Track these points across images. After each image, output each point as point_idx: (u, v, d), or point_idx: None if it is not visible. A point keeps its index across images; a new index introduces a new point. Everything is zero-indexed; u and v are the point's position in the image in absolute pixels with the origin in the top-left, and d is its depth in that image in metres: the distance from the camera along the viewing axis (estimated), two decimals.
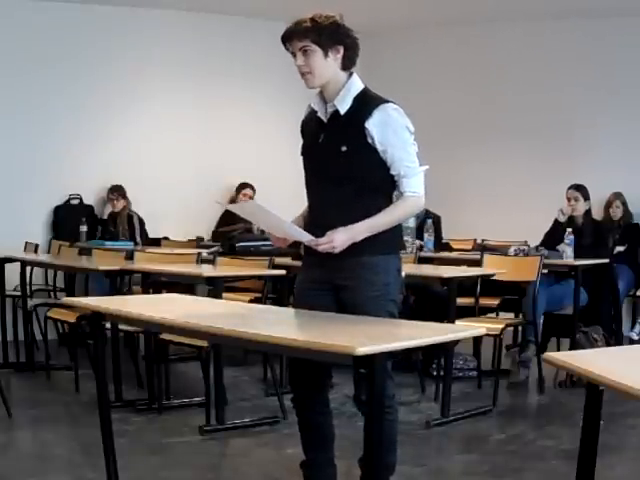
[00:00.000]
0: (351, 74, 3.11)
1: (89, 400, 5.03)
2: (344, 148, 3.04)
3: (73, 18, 7.83)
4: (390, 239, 3.12)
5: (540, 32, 8.37)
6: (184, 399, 5.19)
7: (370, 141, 3.02)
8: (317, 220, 3.13)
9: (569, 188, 6.44)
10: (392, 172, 3.05)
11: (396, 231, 3.16)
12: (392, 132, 3.02)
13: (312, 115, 3.19)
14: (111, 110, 8.07)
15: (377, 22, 8.68)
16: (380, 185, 3.08)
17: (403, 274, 3.22)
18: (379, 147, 3.02)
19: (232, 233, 7.59)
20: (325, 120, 3.12)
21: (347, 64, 3.08)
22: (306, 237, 3.01)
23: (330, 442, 3.28)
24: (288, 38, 3.05)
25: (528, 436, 4.62)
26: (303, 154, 3.24)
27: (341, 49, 3.05)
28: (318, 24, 3.01)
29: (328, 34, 3.01)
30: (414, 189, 3.07)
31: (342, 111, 3.06)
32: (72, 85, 7.86)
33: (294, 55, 3.05)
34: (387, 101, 3.07)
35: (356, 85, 3.10)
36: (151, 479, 3.93)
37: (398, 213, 3.08)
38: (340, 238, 2.98)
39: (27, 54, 7.63)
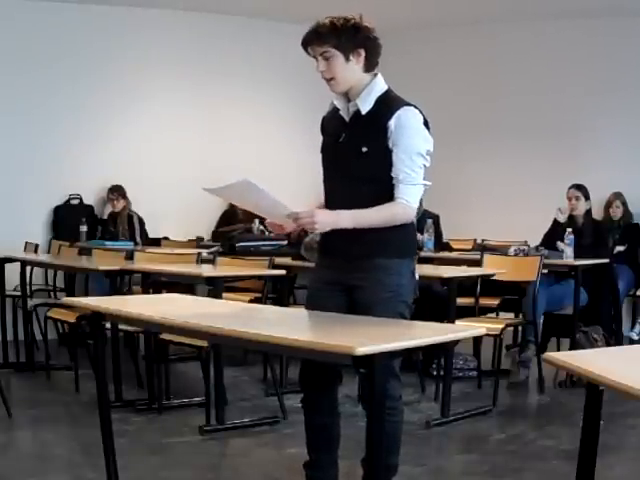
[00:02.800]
0: (375, 75, 3.09)
1: (89, 400, 5.03)
2: (365, 149, 3.02)
3: (73, 18, 7.83)
4: (404, 243, 3.12)
5: (542, 32, 8.36)
6: (184, 399, 5.19)
7: (388, 142, 3.00)
8: None
9: (570, 187, 6.45)
10: (392, 174, 3.02)
11: (410, 235, 3.16)
12: (406, 135, 3.00)
13: (334, 113, 3.16)
14: (111, 110, 8.07)
15: (380, 22, 8.66)
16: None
17: (417, 276, 3.22)
18: (391, 146, 3.00)
19: (232, 233, 7.59)
20: (347, 119, 3.10)
21: (370, 66, 3.06)
22: (286, 210, 2.93)
23: (336, 444, 3.28)
24: (308, 43, 3.03)
25: (528, 436, 4.62)
26: (323, 151, 3.22)
27: (362, 52, 3.02)
28: (337, 28, 2.98)
29: (348, 38, 2.99)
30: (407, 198, 3.03)
31: (363, 111, 3.04)
32: (72, 85, 7.86)
33: (316, 59, 3.03)
34: (411, 104, 3.06)
35: (379, 86, 3.08)
36: (151, 479, 3.93)
37: (385, 214, 3.03)
38: (322, 217, 2.95)
39: (26, 54, 7.63)
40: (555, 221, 6.36)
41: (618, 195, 7.60)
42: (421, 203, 6.56)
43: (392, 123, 2.98)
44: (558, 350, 5.92)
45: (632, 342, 6.75)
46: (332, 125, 3.18)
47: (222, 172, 8.36)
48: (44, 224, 7.86)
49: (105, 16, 7.97)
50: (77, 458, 4.18)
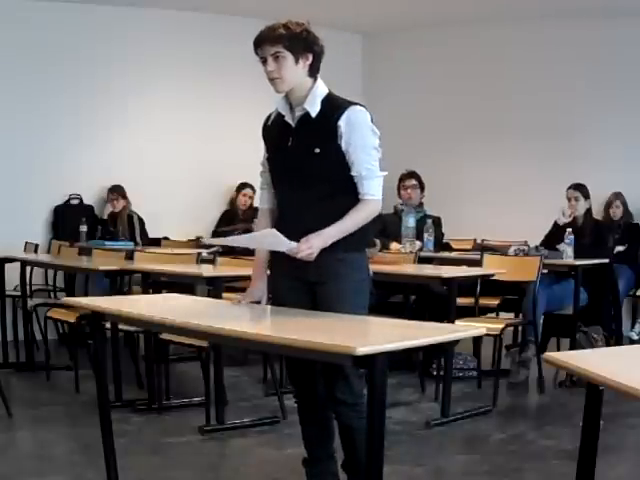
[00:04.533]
0: (316, 79, 3.16)
1: (89, 400, 5.03)
2: (317, 150, 3.09)
3: (73, 18, 7.83)
4: (362, 237, 3.17)
5: (540, 32, 8.37)
6: (184, 399, 5.19)
7: (340, 141, 3.07)
8: (290, 222, 3.16)
9: (569, 188, 6.41)
10: (352, 173, 3.10)
11: (367, 230, 3.20)
12: (358, 132, 3.07)
13: (277, 119, 3.22)
14: (111, 110, 8.07)
15: (377, 22, 8.68)
16: (352, 184, 3.12)
17: (371, 272, 3.28)
18: (344, 146, 3.07)
19: (232, 233, 7.59)
20: (293, 124, 3.16)
21: (314, 71, 3.14)
22: (286, 246, 3.02)
23: (331, 438, 3.32)
24: (261, 43, 3.10)
25: (528, 436, 4.62)
26: (270, 159, 3.28)
27: (310, 56, 3.10)
28: (291, 31, 3.07)
29: (300, 41, 3.07)
30: (373, 192, 3.11)
31: (313, 114, 3.11)
32: (72, 85, 7.86)
33: (264, 61, 3.10)
34: (356, 103, 3.14)
35: (321, 89, 3.15)
36: (151, 479, 3.93)
37: (361, 216, 3.12)
38: (316, 243, 3.02)
39: (27, 54, 7.63)
40: (555, 223, 6.34)
41: (618, 195, 7.60)
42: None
43: (342, 123, 3.06)
44: (558, 350, 5.92)
45: (632, 342, 6.75)
46: (276, 132, 3.23)
47: (222, 172, 8.45)
48: (44, 224, 7.86)
49: (105, 16, 7.97)
50: (77, 458, 4.18)
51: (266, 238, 3.10)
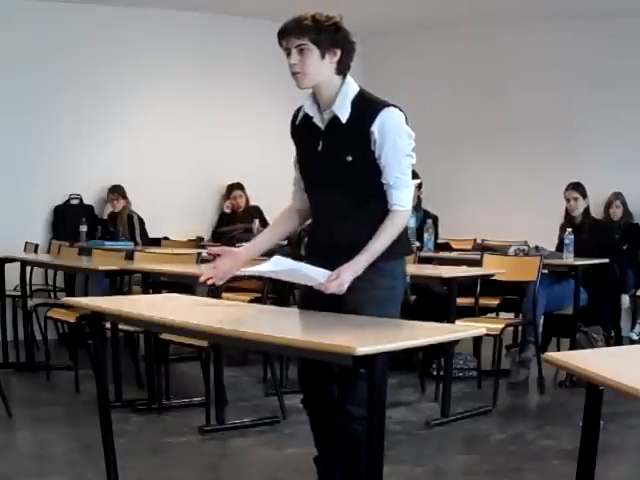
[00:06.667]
0: (345, 77, 3.00)
1: (89, 400, 5.03)
2: (349, 158, 2.94)
3: (73, 18, 7.83)
4: (399, 244, 3.03)
5: (539, 32, 8.37)
6: (184, 399, 5.20)
7: (373, 147, 2.93)
8: (322, 230, 3.08)
9: (566, 189, 6.38)
10: (382, 180, 2.96)
11: (403, 235, 3.07)
12: (391, 138, 2.92)
13: (306, 120, 3.07)
14: (111, 110, 8.07)
15: (377, 22, 8.68)
16: (384, 191, 2.99)
17: (408, 278, 3.19)
18: (377, 151, 2.93)
19: (232, 233, 7.59)
20: (322, 127, 3.01)
21: (342, 68, 2.98)
22: (316, 281, 2.91)
23: (340, 442, 3.23)
24: (286, 34, 2.94)
25: (528, 436, 4.62)
26: (300, 161, 3.16)
27: (338, 52, 2.95)
28: (319, 23, 2.91)
29: (328, 35, 2.91)
30: (402, 202, 2.97)
31: (343, 119, 2.95)
32: (72, 85, 7.86)
33: (288, 52, 2.94)
34: (390, 105, 2.96)
35: (352, 88, 3.00)
36: (151, 479, 3.93)
37: (389, 235, 2.96)
38: (347, 277, 2.88)
39: (27, 54, 7.63)
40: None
41: (618, 195, 7.60)
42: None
43: (375, 128, 2.91)
44: (558, 350, 5.92)
45: (632, 342, 6.75)
46: (305, 133, 3.08)
47: (222, 172, 8.45)
48: (44, 224, 7.86)
49: (105, 16, 7.97)
50: (77, 458, 4.19)
51: (300, 271, 2.94)
